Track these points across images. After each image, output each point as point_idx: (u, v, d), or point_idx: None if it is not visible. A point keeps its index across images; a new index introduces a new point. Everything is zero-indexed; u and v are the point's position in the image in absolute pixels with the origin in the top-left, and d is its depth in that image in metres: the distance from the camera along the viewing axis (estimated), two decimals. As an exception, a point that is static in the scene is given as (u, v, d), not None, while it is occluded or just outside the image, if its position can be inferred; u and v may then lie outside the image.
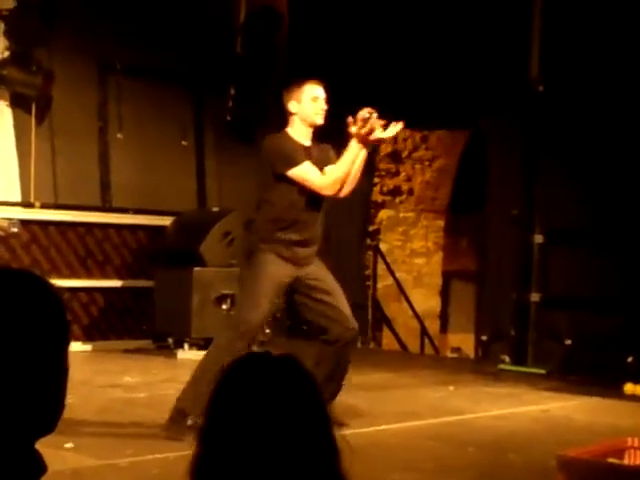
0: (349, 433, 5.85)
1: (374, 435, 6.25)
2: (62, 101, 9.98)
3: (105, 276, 10.09)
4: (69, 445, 5.36)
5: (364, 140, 6.15)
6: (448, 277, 13.47)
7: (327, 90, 6.28)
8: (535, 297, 9.69)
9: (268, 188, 6.29)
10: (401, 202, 12.57)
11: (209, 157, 11.18)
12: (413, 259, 12.73)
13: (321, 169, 6.29)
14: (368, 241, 12.07)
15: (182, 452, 4.22)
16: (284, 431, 1.72)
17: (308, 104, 6.25)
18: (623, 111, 9.18)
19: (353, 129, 6.11)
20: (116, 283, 10.16)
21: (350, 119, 6.10)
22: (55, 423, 1.64)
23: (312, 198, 6.28)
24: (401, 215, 12.63)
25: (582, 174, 9.44)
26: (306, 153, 6.26)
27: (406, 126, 6.48)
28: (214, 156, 11.19)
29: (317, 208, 6.36)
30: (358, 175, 6.38)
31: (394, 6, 10.69)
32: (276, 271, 6.18)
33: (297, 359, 1.85)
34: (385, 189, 12.43)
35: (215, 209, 10.56)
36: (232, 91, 11.03)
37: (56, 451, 4.82)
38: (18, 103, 9.70)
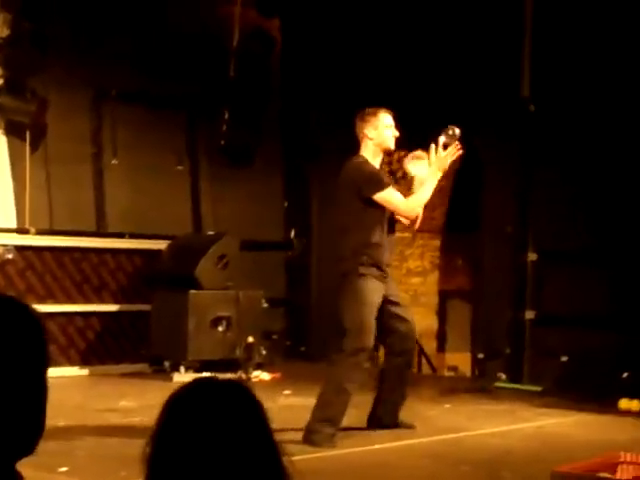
0: (344, 452, 5.85)
1: (369, 454, 6.26)
2: (56, 128, 10.03)
3: (101, 300, 10.11)
4: (63, 469, 5.37)
5: (444, 164, 6.62)
6: (444, 296, 13.49)
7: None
8: (530, 315, 9.73)
9: (354, 213, 6.56)
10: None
11: (204, 181, 11.21)
12: (409, 279, 12.73)
13: None
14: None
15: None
16: (230, 457, 1.70)
17: (384, 130, 6.63)
18: (615, 129, 9.24)
19: (435, 155, 6.55)
20: (112, 307, 10.18)
21: (433, 145, 6.55)
22: (35, 445, 1.66)
23: (390, 221, 6.73)
24: (397, 235, 12.64)
25: (575, 192, 9.49)
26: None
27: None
28: (209, 180, 11.22)
29: (393, 230, 6.87)
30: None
31: (384, 25, 10.74)
32: (377, 295, 6.56)
33: (243, 384, 1.84)
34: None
35: (210, 232, 10.61)
36: (226, 115, 11.07)
37: (50, 475, 4.83)
38: (12, 131, 9.75)
